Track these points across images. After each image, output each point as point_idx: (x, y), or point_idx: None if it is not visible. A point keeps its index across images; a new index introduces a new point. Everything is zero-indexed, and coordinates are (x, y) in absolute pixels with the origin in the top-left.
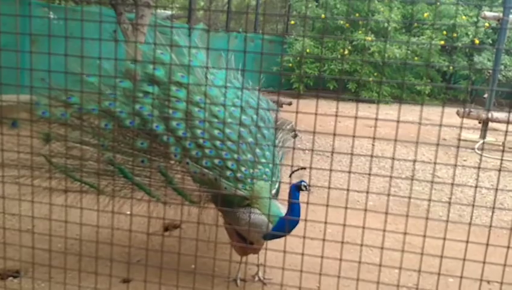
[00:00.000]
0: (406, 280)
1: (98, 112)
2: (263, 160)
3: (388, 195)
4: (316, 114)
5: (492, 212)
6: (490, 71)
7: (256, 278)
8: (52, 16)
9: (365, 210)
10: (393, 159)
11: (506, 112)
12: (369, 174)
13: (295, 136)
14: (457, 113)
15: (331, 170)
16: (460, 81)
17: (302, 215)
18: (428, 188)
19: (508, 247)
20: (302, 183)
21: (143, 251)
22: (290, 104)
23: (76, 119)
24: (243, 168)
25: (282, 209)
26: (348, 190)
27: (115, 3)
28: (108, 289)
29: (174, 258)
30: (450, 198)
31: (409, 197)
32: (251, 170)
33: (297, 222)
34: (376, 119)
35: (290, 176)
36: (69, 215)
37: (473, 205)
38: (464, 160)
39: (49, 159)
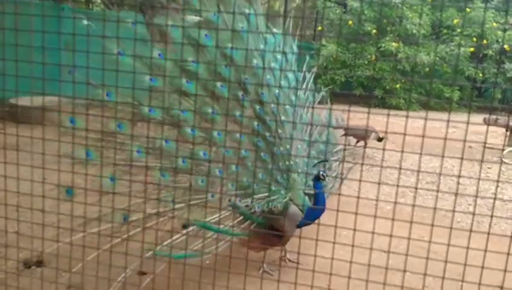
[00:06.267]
0: (417, 282)
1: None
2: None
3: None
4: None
5: None
6: None
7: (287, 260)
8: (86, 23)
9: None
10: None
11: None
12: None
13: (380, 139)
14: (484, 120)
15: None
16: (491, 89)
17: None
18: (448, 194)
19: None
20: (320, 172)
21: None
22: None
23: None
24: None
25: (308, 199)
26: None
27: (144, 9)
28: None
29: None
30: (474, 208)
31: (434, 208)
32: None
33: (323, 210)
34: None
35: (314, 166)
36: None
37: (491, 216)
38: (489, 167)
39: None
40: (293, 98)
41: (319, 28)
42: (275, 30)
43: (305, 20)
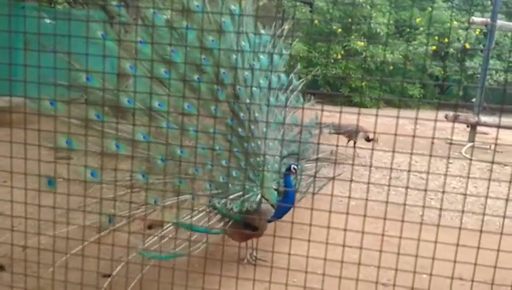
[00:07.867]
0: (380, 275)
1: None
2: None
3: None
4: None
5: (462, 216)
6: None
7: (253, 258)
8: (48, 21)
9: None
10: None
11: (496, 117)
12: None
13: (369, 139)
14: (446, 117)
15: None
16: (453, 87)
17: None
18: (410, 189)
19: (478, 247)
20: (292, 166)
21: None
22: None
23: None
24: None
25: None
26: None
27: (106, 6)
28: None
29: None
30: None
31: (386, 202)
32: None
33: (290, 208)
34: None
35: (282, 159)
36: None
37: (441, 208)
38: (450, 163)
39: None
40: (272, 98)
41: (287, 27)
42: (262, 31)
43: (273, 19)
